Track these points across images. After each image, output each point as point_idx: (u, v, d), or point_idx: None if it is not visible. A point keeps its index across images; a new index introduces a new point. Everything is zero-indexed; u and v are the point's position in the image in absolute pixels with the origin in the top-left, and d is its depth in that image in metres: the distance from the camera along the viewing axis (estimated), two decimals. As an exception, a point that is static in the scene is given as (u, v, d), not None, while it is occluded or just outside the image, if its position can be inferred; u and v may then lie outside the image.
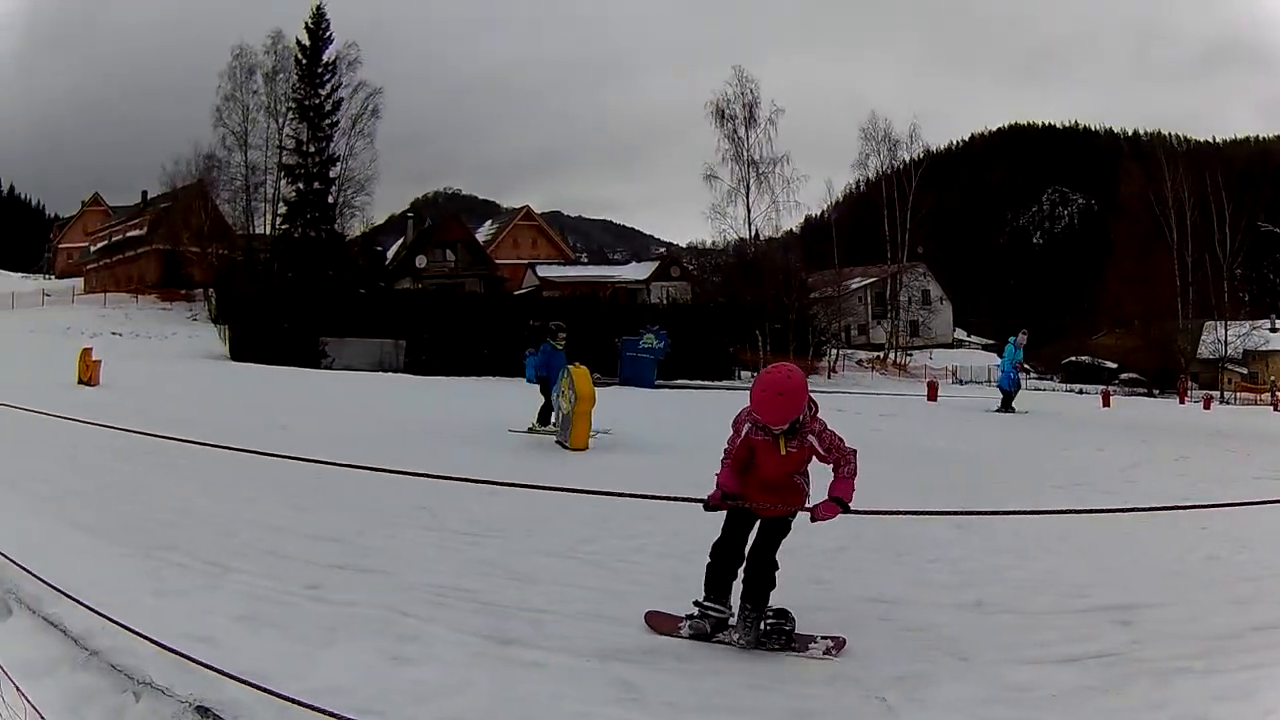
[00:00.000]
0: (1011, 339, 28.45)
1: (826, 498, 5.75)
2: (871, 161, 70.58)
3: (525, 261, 79.75)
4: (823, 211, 75.50)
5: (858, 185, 77.71)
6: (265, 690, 4.61)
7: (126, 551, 8.00)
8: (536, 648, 5.79)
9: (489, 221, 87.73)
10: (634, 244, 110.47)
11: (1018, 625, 6.51)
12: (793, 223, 71.14)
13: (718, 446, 6.09)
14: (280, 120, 68.36)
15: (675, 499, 6.19)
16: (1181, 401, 47.10)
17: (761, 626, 5.87)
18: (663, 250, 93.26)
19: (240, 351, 50.42)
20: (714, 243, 74.11)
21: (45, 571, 6.59)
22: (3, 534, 7.71)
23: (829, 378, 59.63)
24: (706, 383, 47.35)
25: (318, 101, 67.31)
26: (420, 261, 71.75)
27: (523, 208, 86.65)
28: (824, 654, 5.76)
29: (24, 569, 6.77)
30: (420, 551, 8.22)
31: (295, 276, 62.17)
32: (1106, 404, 37.50)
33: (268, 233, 68.51)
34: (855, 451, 5.89)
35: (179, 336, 56.90)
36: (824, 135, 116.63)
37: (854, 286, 70.58)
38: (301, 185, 66.84)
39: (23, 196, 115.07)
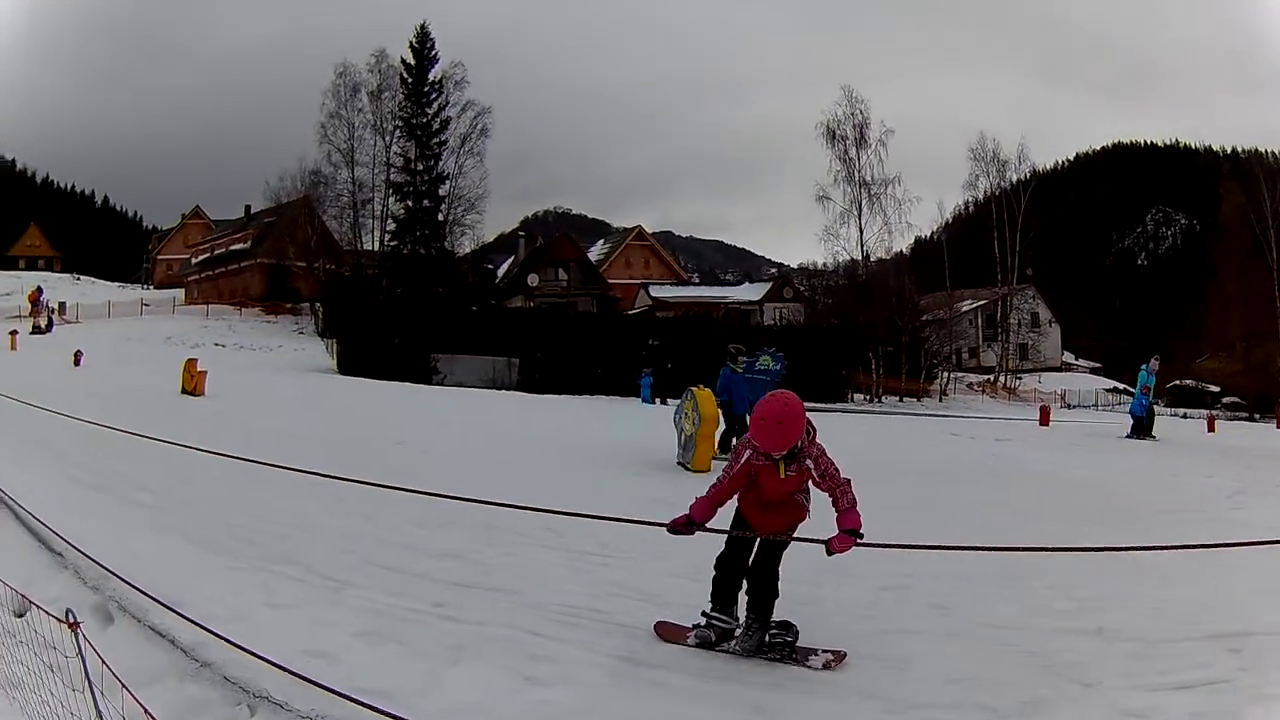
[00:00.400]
0: (1144, 365, 27.77)
1: (838, 531, 5.95)
2: (981, 182, 69.02)
3: (638, 281, 79.11)
4: (932, 233, 74.42)
5: (966, 206, 76.33)
6: (374, 709, 4.60)
7: (236, 564, 8.20)
8: (667, 669, 5.86)
9: (601, 241, 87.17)
10: (745, 264, 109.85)
11: (1138, 652, 6.47)
12: (903, 244, 69.90)
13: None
14: (387, 138, 67.89)
15: (645, 522, 6.56)
16: (1279, 426, 45.21)
17: (764, 638, 6.22)
18: (774, 271, 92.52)
19: (349, 365, 50.53)
20: (825, 264, 73.10)
21: (154, 582, 6.78)
22: (108, 544, 8.02)
23: (940, 400, 58.28)
24: (819, 405, 46.31)
25: (425, 120, 66.44)
26: (533, 280, 71.20)
27: (635, 228, 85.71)
28: (823, 666, 6.05)
29: (128, 583, 6.91)
30: (547, 571, 8.28)
31: (405, 293, 62.22)
32: (1211, 429, 35.87)
33: (375, 249, 68.60)
34: (849, 480, 6.11)
35: (284, 349, 57.16)
36: (930, 156, 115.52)
37: (965, 309, 69.11)
38: (410, 202, 66.66)
39: (118, 208, 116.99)
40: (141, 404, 21.29)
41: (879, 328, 58.12)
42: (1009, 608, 7.53)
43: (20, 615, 6.43)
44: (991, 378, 68.33)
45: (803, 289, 77.20)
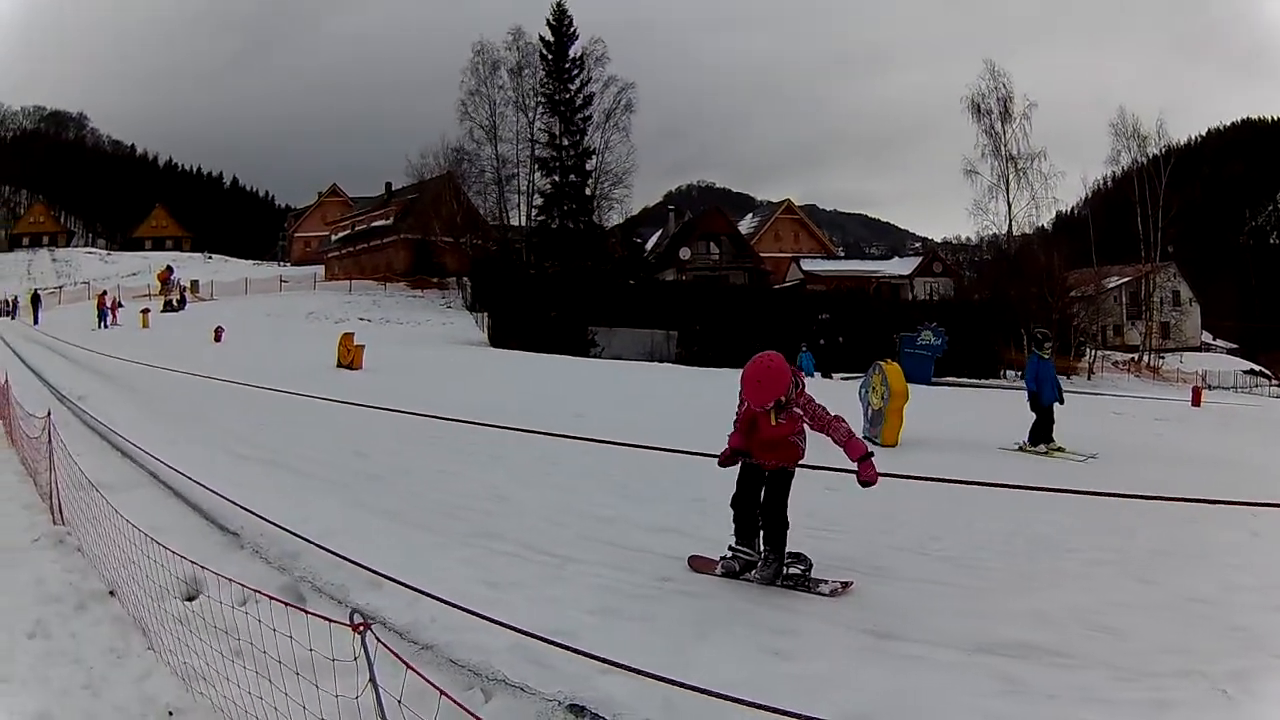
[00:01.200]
0: None
1: (854, 463, 6.62)
2: (1123, 157, 67.75)
3: (788, 255, 79.28)
4: (1072, 208, 73.42)
5: (1104, 181, 75.03)
6: (659, 678, 4.46)
7: (440, 539, 8.09)
8: (914, 641, 5.72)
9: (750, 215, 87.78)
10: (890, 238, 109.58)
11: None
12: (1044, 219, 68.83)
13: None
14: (530, 114, 69.53)
15: (693, 453, 7.88)
16: None
17: (781, 568, 6.88)
18: (918, 245, 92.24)
19: (501, 338, 51.20)
20: (968, 239, 72.46)
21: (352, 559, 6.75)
22: (291, 520, 7.89)
23: (1089, 379, 57.14)
24: (973, 380, 45.86)
25: (568, 96, 68.19)
26: (684, 253, 73.65)
27: (784, 201, 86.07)
28: (830, 593, 6.67)
29: (343, 558, 6.87)
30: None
31: (557, 266, 62.68)
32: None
33: (521, 224, 71.18)
34: (840, 417, 6.85)
35: (432, 323, 57.92)
36: (1069, 130, 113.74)
37: (1110, 285, 67.89)
38: (557, 177, 67.77)
39: (248, 188, 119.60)
40: (300, 378, 21.23)
41: (1030, 304, 57.15)
42: (1201, 583, 7.34)
43: (190, 599, 6.44)
44: (1135, 356, 67.06)
45: (952, 263, 76.58)
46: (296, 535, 7.45)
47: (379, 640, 3.88)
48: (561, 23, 67.86)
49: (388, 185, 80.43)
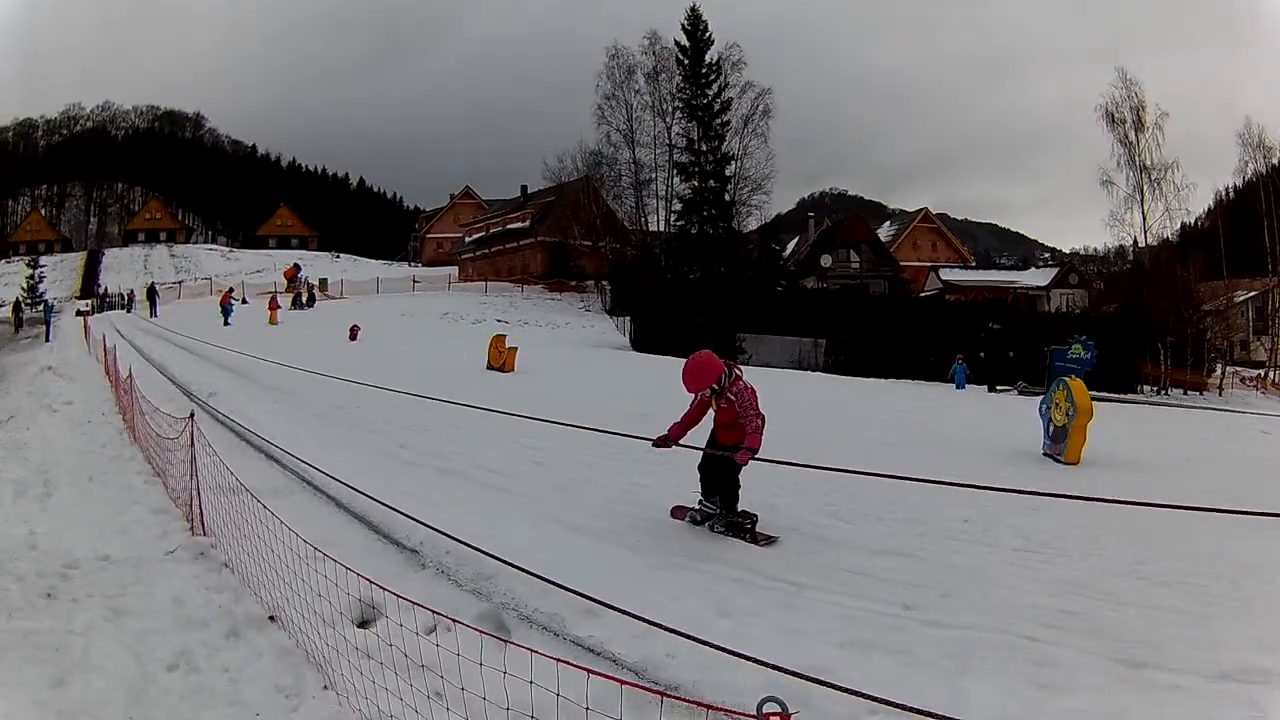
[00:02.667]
0: None
1: (741, 448, 8.15)
2: (1250, 168, 66.80)
3: (925, 264, 78.38)
4: (1198, 219, 72.38)
5: (1227, 193, 73.86)
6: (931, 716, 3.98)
7: (650, 561, 7.79)
8: (1166, 670, 5.62)
9: (887, 223, 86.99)
10: (1020, 248, 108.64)
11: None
12: (1169, 230, 67.98)
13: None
14: (668, 119, 68.82)
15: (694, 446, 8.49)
16: None
17: (731, 520, 8.65)
18: (1047, 256, 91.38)
19: (643, 343, 50.39)
20: (1096, 250, 71.77)
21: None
22: (477, 533, 7.49)
23: (1220, 395, 56.44)
24: (1109, 394, 45.57)
25: (705, 101, 66.38)
26: (825, 261, 71.07)
27: (921, 210, 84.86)
28: (763, 543, 8.42)
29: (553, 583, 6.29)
30: (991, 569, 7.91)
31: (700, 273, 62.39)
32: None
33: (660, 229, 69.20)
34: (762, 417, 8.32)
35: (571, 326, 56.87)
36: (1198, 140, 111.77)
37: (1239, 299, 67.02)
38: (696, 183, 66.57)
39: (375, 189, 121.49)
40: (450, 380, 21.25)
41: (1168, 318, 56.69)
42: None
43: (364, 625, 6.29)
44: (1262, 373, 66.20)
45: (1086, 274, 76.05)
46: (493, 557, 6.84)
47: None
48: (697, 28, 67.31)
49: (523, 188, 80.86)
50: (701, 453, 8.76)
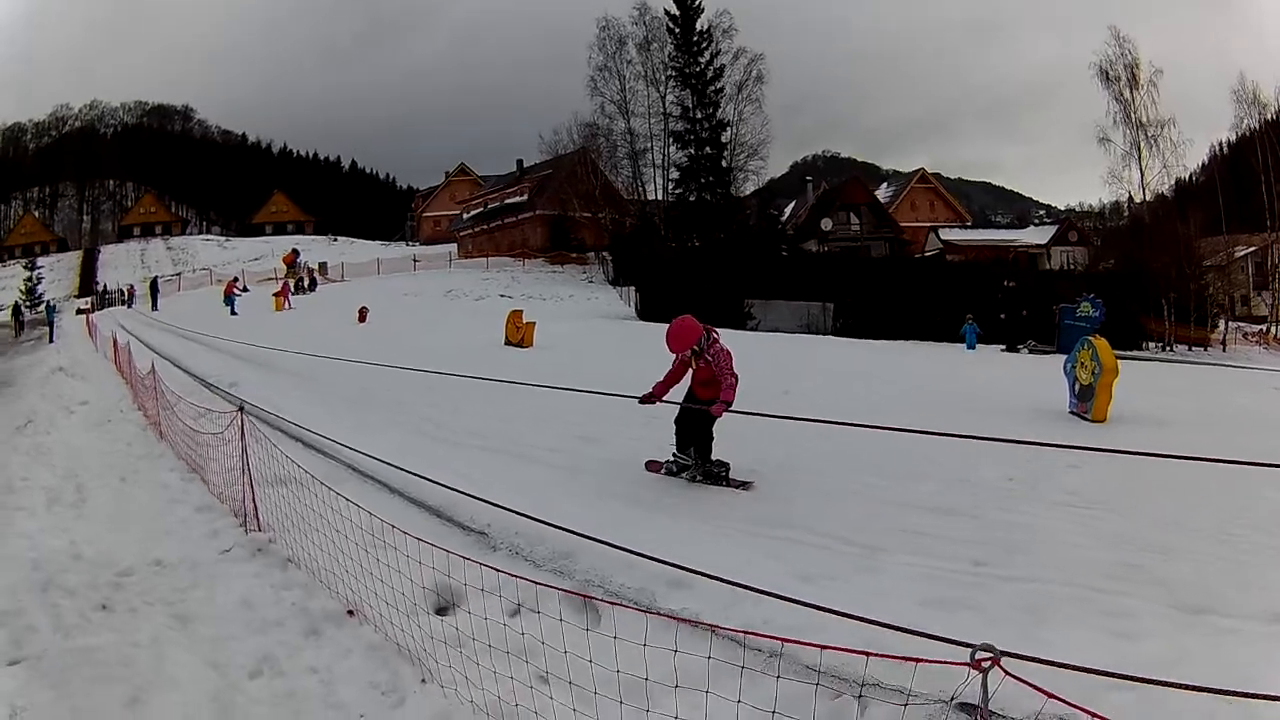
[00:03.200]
0: None
1: (717, 402, 9.00)
2: (1245, 124, 66.53)
3: (924, 225, 78.04)
4: (1192, 174, 72.07)
5: (1221, 148, 73.55)
6: (1072, 668, 3.78)
7: (719, 529, 7.89)
8: (1224, 615, 5.83)
9: (885, 184, 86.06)
10: (1015, 206, 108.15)
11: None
12: (1165, 186, 67.76)
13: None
14: (661, 88, 68.85)
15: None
16: None
17: (706, 469, 9.45)
18: (1042, 213, 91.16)
19: (650, 312, 50.03)
20: (1090, 206, 71.73)
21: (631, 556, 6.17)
22: (542, 512, 7.09)
23: (1224, 351, 56.17)
24: (1118, 351, 45.27)
25: (699, 69, 67.30)
26: (826, 224, 70.68)
27: (918, 170, 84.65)
28: (740, 486, 9.30)
29: (638, 554, 6.01)
30: (1046, 525, 8.05)
31: (700, 240, 62.73)
32: None
33: (659, 198, 70.47)
34: (736, 376, 9.13)
35: (576, 298, 56.71)
36: (1193, 96, 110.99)
37: (1239, 255, 66.84)
38: (693, 150, 67.00)
39: (368, 170, 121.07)
40: (470, 357, 20.79)
41: (1170, 273, 56.49)
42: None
43: (442, 612, 6.19)
44: (1264, 328, 66.03)
45: (1086, 230, 75.92)
46: (576, 533, 6.56)
47: (1007, 673, 3.37)
48: None
49: (519, 162, 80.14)
50: (678, 408, 9.62)
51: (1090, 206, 76.41)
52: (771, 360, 24.58)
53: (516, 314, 28.65)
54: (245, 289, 54.08)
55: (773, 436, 10.72)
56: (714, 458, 9.53)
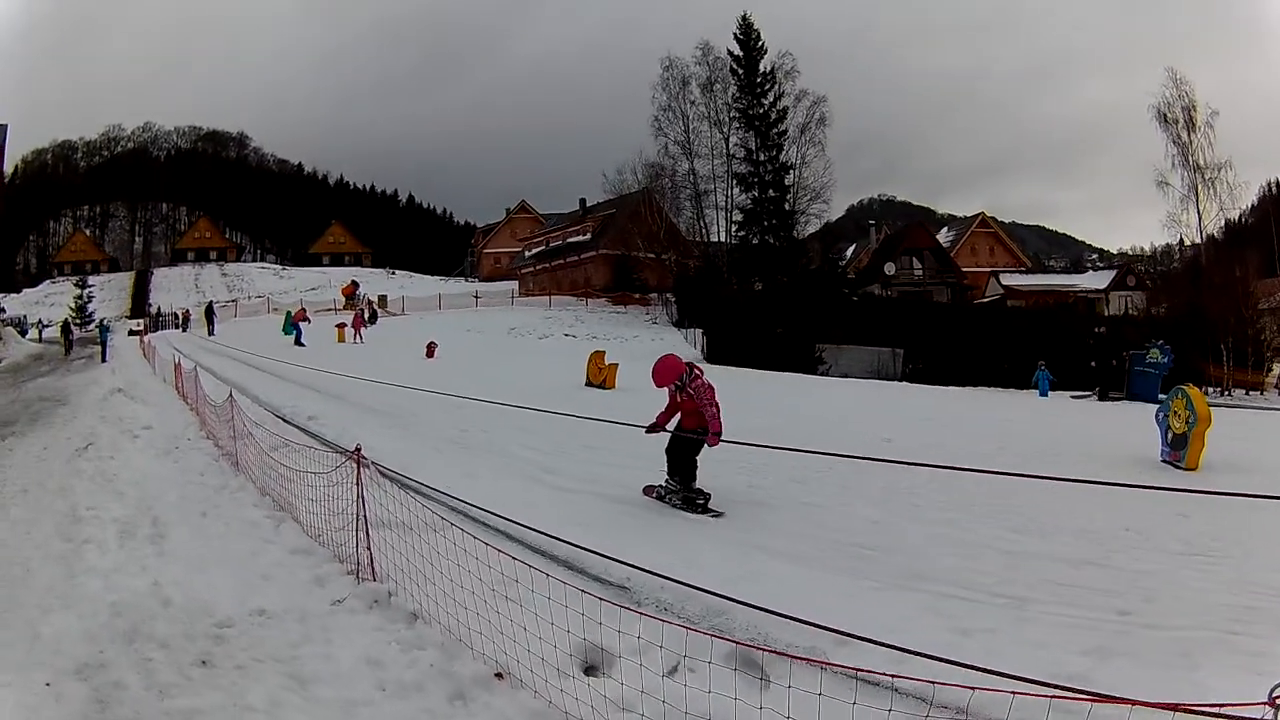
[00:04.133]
0: None
1: (712, 434, 10.03)
2: (1292, 165, 66.18)
3: (985, 269, 78.04)
4: (1242, 215, 71.31)
5: (1271, 188, 72.71)
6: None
7: (869, 583, 7.60)
8: None
9: (945, 229, 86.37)
10: (1069, 250, 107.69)
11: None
12: (1216, 228, 66.98)
13: None
14: (724, 129, 68.72)
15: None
16: None
17: (687, 495, 10.29)
18: (1095, 257, 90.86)
19: (717, 354, 49.86)
20: (1143, 250, 70.92)
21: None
22: (680, 567, 6.99)
23: (1278, 393, 54.56)
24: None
25: (762, 110, 67.02)
26: (889, 269, 71.02)
27: (978, 215, 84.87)
28: (714, 516, 10.02)
29: (798, 619, 5.70)
30: (1173, 573, 8.08)
31: (763, 283, 62.07)
32: None
33: (721, 239, 70.77)
34: (719, 406, 10.10)
35: (640, 339, 55.71)
36: (1244, 138, 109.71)
37: (1288, 296, 65.84)
38: (756, 193, 66.42)
39: (425, 205, 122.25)
40: (558, 398, 20.28)
41: (1230, 317, 55.14)
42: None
43: (591, 672, 5.85)
44: (1311, 373, 64.65)
45: (1144, 274, 75.10)
46: (720, 595, 6.30)
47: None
48: (749, 37, 67.03)
49: (582, 201, 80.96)
50: (670, 438, 10.47)
51: (1141, 250, 75.57)
52: (858, 406, 24.48)
53: (599, 355, 28.11)
54: (308, 319, 53.38)
55: (892, 485, 11.27)
56: (696, 486, 10.46)
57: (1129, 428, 18.08)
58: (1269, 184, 71.53)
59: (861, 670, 4.81)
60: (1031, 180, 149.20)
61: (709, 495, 10.26)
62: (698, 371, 10.32)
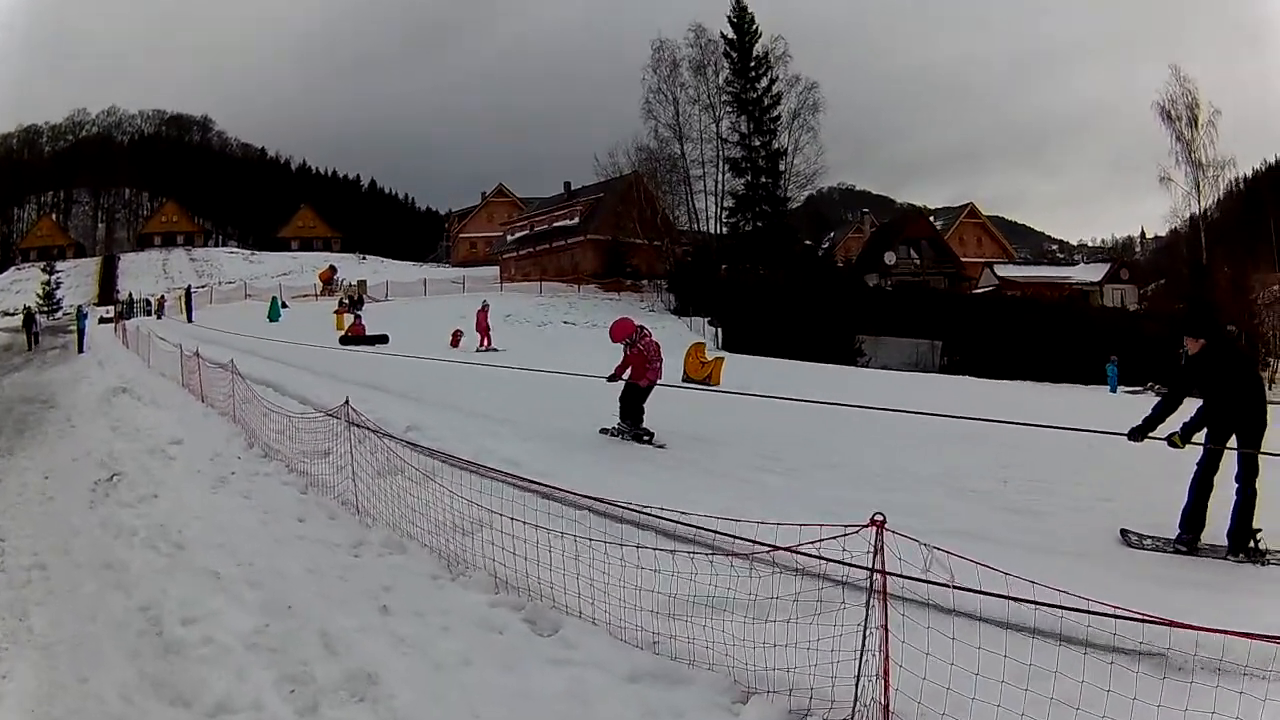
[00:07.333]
0: None
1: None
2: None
3: (974, 260, 76.00)
4: (1205, 210, 70.28)
5: (1236, 184, 71.34)
6: None
7: None
8: None
9: (932, 218, 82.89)
10: (1027, 241, 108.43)
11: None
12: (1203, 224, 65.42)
13: None
14: (716, 113, 66.95)
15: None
16: None
17: (635, 434, 12.52)
18: (1054, 249, 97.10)
19: (734, 343, 47.21)
20: (1103, 240, 69.81)
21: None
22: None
23: (1270, 389, 51.98)
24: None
25: (756, 95, 65.98)
26: (889, 258, 70.91)
27: (966, 205, 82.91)
28: (656, 445, 12.26)
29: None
30: None
31: (755, 269, 60.82)
32: None
33: (711, 226, 68.78)
34: (649, 362, 12.29)
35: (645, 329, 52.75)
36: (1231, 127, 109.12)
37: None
38: (749, 178, 65.56)
39: (387, 191, 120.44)
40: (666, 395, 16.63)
41: (1229, 310, 52.90)
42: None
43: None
44: (1310, 365, 62.83)
45: (1138, 264, 75.70)
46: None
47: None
48: (743, 20, 66.32)
49: (567, 184, 77.81)
50: (624, 387, 12.59)
51: (1103, 241, 74.43)
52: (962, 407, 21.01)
53: (699, 347, 25.18)
54: (284, 304, 50.97)
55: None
56: (644, 426, 12.67)
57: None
58: (1235, 180, 70.18)
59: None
60: (991, 171, 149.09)
61: (653, 433, 12.56)
62: (646, 332, 12.67)
